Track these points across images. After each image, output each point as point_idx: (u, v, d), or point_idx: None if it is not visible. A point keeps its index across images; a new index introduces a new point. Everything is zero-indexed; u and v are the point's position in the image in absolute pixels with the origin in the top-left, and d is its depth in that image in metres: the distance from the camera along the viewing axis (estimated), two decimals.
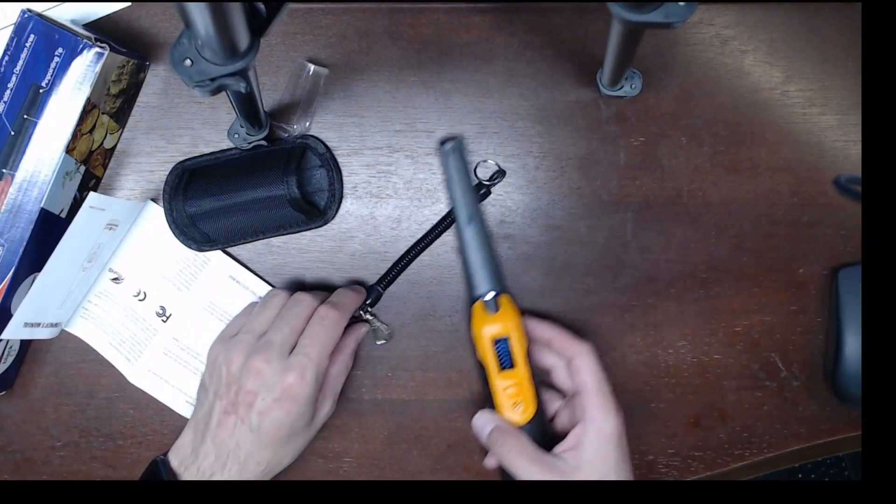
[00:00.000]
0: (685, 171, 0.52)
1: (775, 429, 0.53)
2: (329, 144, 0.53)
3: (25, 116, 0.46)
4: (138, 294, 0.53)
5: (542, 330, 0.49)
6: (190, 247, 0.52)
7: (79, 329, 0.53)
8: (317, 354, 0.46)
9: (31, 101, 0.46)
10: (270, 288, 0.53)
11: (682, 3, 0.33)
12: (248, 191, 0.49)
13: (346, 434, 0.54)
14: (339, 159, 0.53)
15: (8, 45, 0.46)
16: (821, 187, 0.52)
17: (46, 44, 0.46)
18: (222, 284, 0.53)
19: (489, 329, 0.47)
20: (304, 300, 0.48)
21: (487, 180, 0.52)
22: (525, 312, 0.50)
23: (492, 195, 0.52)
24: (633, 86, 0.51)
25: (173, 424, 0.54)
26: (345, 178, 0.53)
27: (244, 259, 0.53)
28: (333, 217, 0.53)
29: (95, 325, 0.53)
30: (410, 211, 0.53)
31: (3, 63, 0.46)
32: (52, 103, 0.46)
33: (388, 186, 0.53)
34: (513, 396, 0.47)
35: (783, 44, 0.52)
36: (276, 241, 0.53)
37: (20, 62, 0.46)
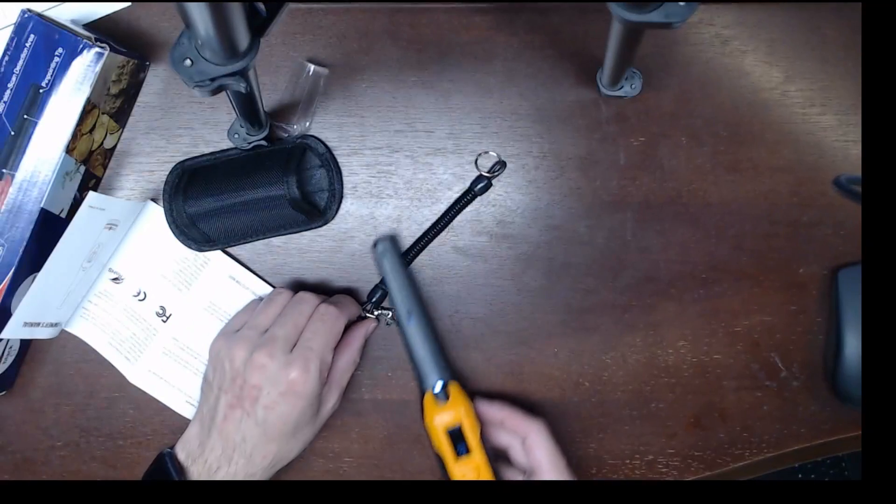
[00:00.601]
0: (685, 171, 0.52)
1: (775, 429, 0.53)
2: (329, 144, 0.53)
3: (25, 116, 0.46)
4: (138, 294, 0.53)
5: (494, 412, 0.49)
6: (190, 247, 0.52)
7: (79, 329, 0.53)
8: (319, 348, 0.46)
9: (31, 101, 0.46)
10: (271, 288, 0.53)
11: (682, 3, 0.33)
12: (248, 191, 0.50)
13: (346, 434, 0.54)
14: (339, 159, 0.53)
15: (8, 45, 0.46)
16: (821, 187, 0.52)
17: (46, 44, 0.46)
18: (222, 284, 0.53)
19: (441, 419, 0.48)
20: (307, 298, 0.48)
21: (488, 172, 0.52)
22: (475, 394, 0.51)
23: (492, 195, 0.52)
24: (633, 86, 0.51)
25: (173, 424, 0.54)
26: (345, 179, 0.53)
27: (244, 259, 0.53)
28: (333, 217, 0.53)
29: (95, 325, 0.53)
30: (410, 211, 0.53)
31: (3, 63, 0.46)
32: (52, 103, 0.46)
33: (388, 186, 0.53)
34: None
35: (783, 44, 0.52)
36: (276, 241, 0.53)
37: (20, 62, 0.46)
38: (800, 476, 1.04)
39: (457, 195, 0.53)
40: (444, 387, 0.49)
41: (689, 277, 0.53)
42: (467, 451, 0.47)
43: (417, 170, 0.53)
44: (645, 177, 0.52)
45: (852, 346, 0.50)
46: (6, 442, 0.54)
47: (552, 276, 0.53)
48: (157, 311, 0.53)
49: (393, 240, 0.52)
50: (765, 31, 0.52)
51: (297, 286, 0.53)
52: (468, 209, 0.53)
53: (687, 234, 0.53)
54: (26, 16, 0.46)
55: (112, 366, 0.53)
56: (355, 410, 0.54)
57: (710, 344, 0.53)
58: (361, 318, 0.52)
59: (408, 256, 0.52)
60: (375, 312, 0.52)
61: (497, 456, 0.49)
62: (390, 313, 0.53)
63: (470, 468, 0.47)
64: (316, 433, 0.49)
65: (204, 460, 0.46)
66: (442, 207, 0.53)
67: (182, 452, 0.47)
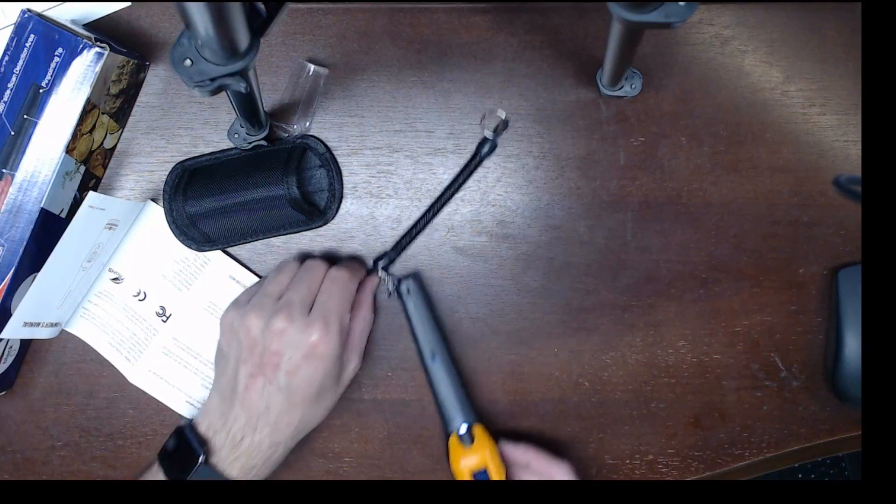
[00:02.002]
0: (685, 171, 0.52)
1: (775, 429, 0.53)
2: (329, 144, 0.53)
3: (25, 116, 0.46)
4: (138, 294, 0.53)
5: (519, 454, 0.50)
6: (190, 247, 0.52)
7: (79, 329, 0.53)
8: (337, 308, 0.46)
9: (31, 101, 0.46)
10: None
11: (682, 3, 0.33)
12: (247, 191, 0.49)
13: (346, 434, 0.54)
14: (339, 159, 0.53)
15: (8, 45, 0.46)
16: (821, 187, 0.52)
17: (46, 44, 0.46)
18: (222, 284, 0.53)
19: (467, 462, 0.49)
20: (317, 264, 0.48)
21: (493, 132, 0.51)
22: (499, 436, 0.51)
23: (492, 195, 0.52)
24: (633, 86, 0.51)
25: (173, 424, 0.54)
26: (345, 179, 0.53)
27: (244, 259, 0.53)
28: (333, 217, 0.53)
29: (95, 325, 0.53)
30: (410, 211, 0.53)
31: (3, 63, 0.46)
32: (52, 103, 0.46)
33: (388, 186, 0.53)
34: None
35: (783, 44, 0.52)
36: (276, 241, 0.53)
37: (20, 62, 0.46)
38: (800, 476, 1.04)
39: (457, 195, 0.53)
40: (469, 429, 0.50)
41: (689, 277, 0.53)
42: None
43: (417, 170, 0.53)
44: (645, 177, 0.52)
45: (852, 346, 0.50)
46: (6, 442, 0.54)
47: (552, 276, 0.53)
48: (157, 311, 0.53)
49: (417, 278, 0.52)
50: (765, 31, 0.52)
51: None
52: (468, 209, 0.53)
53: (687, 234, 0.53)
54: (26, 16, 0.46)
55: (112, 366, 0.53)
56: (355, 410, 0.54)
57: (710, 344, 0.53)
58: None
59: (416, 227, 0.52)
60: (380, 273, 0.52)
61: None
62: (391, 280, 0.52)
63: None
64: (338, 398, 0.48)
65: (227, 431, 0.45)
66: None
67: (203, 424, 0.46)
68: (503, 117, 0.51)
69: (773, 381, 0.53)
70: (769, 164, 0.52)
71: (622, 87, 0.51)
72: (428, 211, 0.52)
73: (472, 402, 0.52)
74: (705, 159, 0.52)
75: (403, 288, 0.51)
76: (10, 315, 0.47)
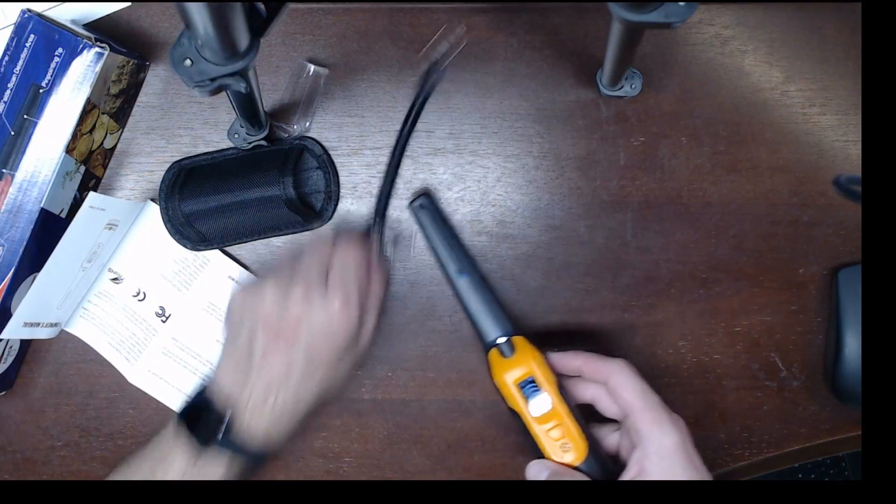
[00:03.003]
0: (685, 171, 0.52)
1: (775, 429, 0.53)
2: (329, 144, 0.53)
3: (25, 116, 0.46)
4: (138, 294, 0.53)
5: (567, 360, 0.45)
6: (185, 246, 0.52)
7: (78, 329, 0.53)
8: (353, 273, 0.44)
9: (31, 101, 0.46)
10: None
11: (682, 3, 0.33)
12: (244, 191, 0.50)
13: (346, 434, 0.54)
14: (339, 159, 0.53)
15: (8, 45, 0.46)
16: (821, 187, 0.52)
17: (46, 44, 0.46)
18: (222, 285, 0.53)
19: (511, 374, 0.44)
20: (323, 239, 0.46)
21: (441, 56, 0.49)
22: (545, 349, 0.47)
23: (492, 195, 0.52)
24: (633, 86, 0.51)
25: None
26: (345, 178, 0.53)
27: (244, 259, 0.53)
28: (330, 218, 0.53)
29: (95, 325, 0.53)
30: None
31: (3, 63, 0.46)
32: (52, 103, 0.46)
33: None
34: (558, 439, 0.43)
35: (783, 44, 0.52)
36: (275, 241, 0.53)
37: (20, 62, 0.46)
38: (800, 476, 1.04)
39: (457, 195, 0.53)
40: (509, 339, 0.46)
41: (689, 277, 0.53)
42: (546, 405, 0.43)
43: (417, 170, 0.53)
44: (645, 177, 0.52)
45: (852, 346, 0.50)
46: (6, 442, 0.54)
47: (552, 276, 0.53)
48: (156, 312, 0.53)
49: (429, 194, 0.50)
50: (765, 31, 0.52)
51: None
52: (468, 209, 0.53)
53: (687, 234, 0.53)
54: (26, 16, 0.46)
55: (112, 366, 0.53)
56: (355, 410, 0.54)
57: (710, 344, 0.53)
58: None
59: (381, 201, 0.48)
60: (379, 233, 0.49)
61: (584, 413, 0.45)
62: (391, 239, 0.50)
63: (553, 424, 0.43)
64: (357, 361, 0.46)
65: (248, 394, 0.43)
66: (442, 207, 0.53)
67: (219, 390, 0.44)
68: (460, 34, 0.49)
69: (773, 381, 0.53)
70: (769, 164, 0.52)
71: (622, 87, 0.51)
72: (392, 154, 0.48)
73: (508, 315, 0.48)
74: (705, 159, 0.52)
75: (416, 205, 0.49)
76: (10, 315, 0.47)
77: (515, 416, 0.45)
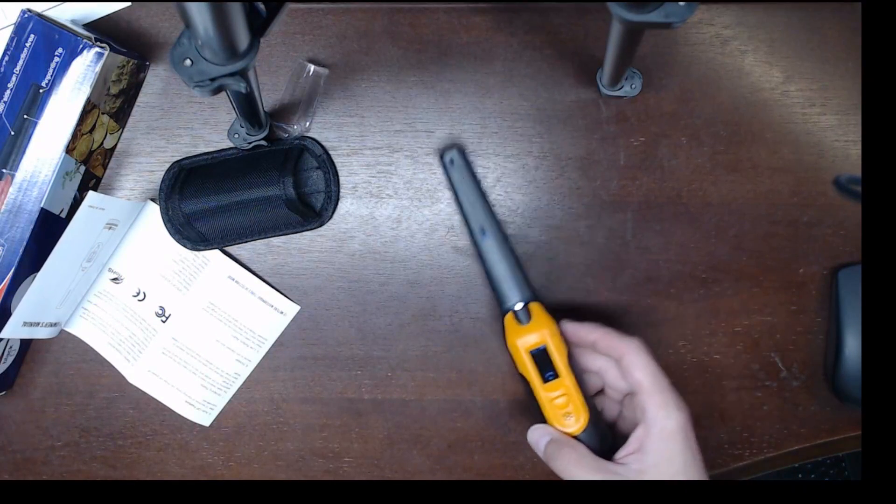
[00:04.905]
0: (685, 171, 0.52)
1: (775, 429, 0.53)
2: (329, 144, 0.53)
3: (25, 116, 0.46)
4: (138, 294, 0.53)
5: (584, 333, 0.46)
6: (185, 246, 0.52)
7: (78, 329, 0.53)
8: None
9: (31, 101, 0.46)
10: (270, 288, 0.53)
11: (682, 3, 0.33)
12: (244, 191, 0.49)
13: (346, 434, 0.54)
14: (339, 159, 0.53)
15: (8, 45, 0.46)
16: (821, 187, 0.52)
17: (46, 44, 0.46)
18: (222, 285, 0.53)
19: (524, 340, 0.46)
20: None
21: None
22: (561, 316, 0.48)
23: (492, 195, 0.52)
24: (633, 86, 0.51)
25: (173, 424, 0.54)
26: (345, 178, 0.53)
27: (244, 259, 0.53)
28: (330, 218, 0.53)
29: (95, 325, 0.53)
30: (410, 211, 0.53)
31: (3, 63, 0.46)
32: (52, 103, 0.46)
33: (388, 186, 0.53)
34: (562, 407, 0.45)
35: (783, 44, 0.52)
36: (275, 241, 0.53)
37: (20, 62, 0.46)
38: (800, 476, 1.04)
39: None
40: (526, 306, 0.47)
41: (689, 277, 0.53)
42: (555, 374, 0.45)
43: (417, 170, 0.53)
44: (645, 177, 0.52)
45: (852, 346, 0.50)
46: (6, 442, 0.54)
47: (552, 276, 0.53)
48: (156, 312, 0.53)
49: (461, 149, 0.49)
50: (765, 31, 0.52)
51: (297, 286, 0.53)
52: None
53: (687, 234, 0.53)
54: (26, 16, 0.46)
55: (112, 366, 0.53)
56: (355, 410, 0.54)
57: (710, 344, 0.53)
58: None
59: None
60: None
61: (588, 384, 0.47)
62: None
63: (559, 392, 0.45)
64: None
65: None
66: (442, 206, 0.53)
67: None
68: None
69: (773, 381, 0.53)
70: (769, 164, 0.52)
71: (622, 87, 0.51)
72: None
73: (528, 279, 0.49)
74: (705, 159, 0.52)
75: (447, 159, 0.49)
76: (10, 315, 0.47)
77: (524, 380, 0.47)
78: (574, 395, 0.45)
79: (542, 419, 0.46)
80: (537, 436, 0.46)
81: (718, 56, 0.52)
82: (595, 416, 0.46)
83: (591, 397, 0.47)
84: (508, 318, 0.47)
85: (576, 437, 0.45)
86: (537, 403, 0.46)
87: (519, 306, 0.47)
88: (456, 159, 0.49)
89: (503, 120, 0.52)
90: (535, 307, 0.47)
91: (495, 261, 0.48)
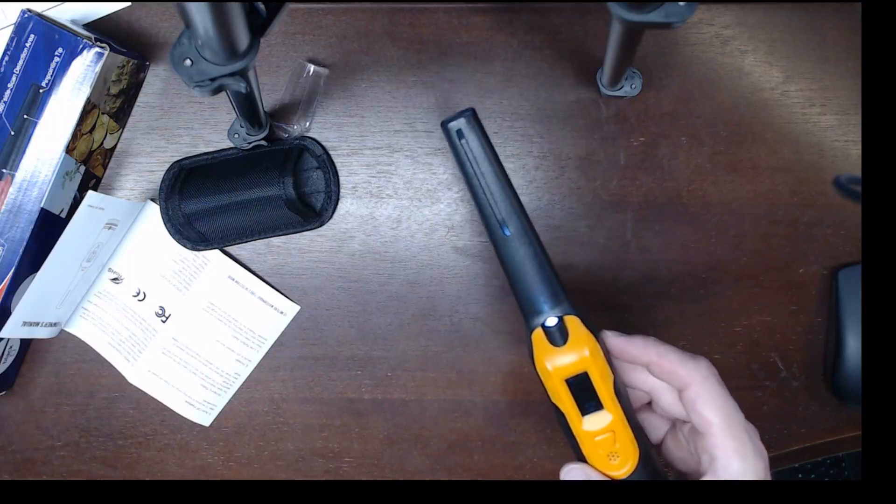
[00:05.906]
0: (685, 171, 0.52)
1: (775, 429, 0.53)
2: (329, 144, 0.53)
3: (25, 116, 0.46)
4: (138, 294, 0.53)
5: (635, 351, 0.37)
6: (185, 246, 0.52)
7: (78, 329, 0.53)
8: None
9: (31, 101, 0.46)
10: (270, 288, 0.53)
11: (682, 3, 0.33)
12: (244, 191, 0.50)
13: (346, 434, 0.54)
14: (339, 159, 0.53)
15: (8, 45, 0.46)
16: (821, 187, 0.52)
17: (46, 44, 0.46)
18: (222, 285, 0.53)
19: (559, 365, 0.35)
20: None
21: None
22: (601, 329, 0.38)
23: None
24: (633, 86, 0.51)
25: (173, 424, 0.54)
26: (345, 179, 0.53)
27: (244, 259, 0.53)
28: (330, 218, 0.53)
29: (95, 325, 0.53)
30: (410, 211, 0.53)
31: (3, 63, 0.46)
32: (52, 103, 0.46)
33: (388, 186, 0.53)
34: (606, 445, 0.36)
35: (783, 44, 0.52)
36: (275, 241, 0.53)
37: (20, 62, 0.46)
38: (800, 476, 1.04)
39: (457, 195, 0.53)
40: (561, 321, 0.35)
41: (689, 277, 0.53)
42: (598, 405, 0.35)
43: (417, 170, 0.53)
44: (645, 177, 0.52)
45: (852, 346, 0.50)
46: (6, 442, 0.54)
47: None
48: (156, 312, 0.53)
49: (473, 115, 0.36)
50: (765, 31, 0.52)
51: (297, 286, 0.53)
52: (468, 209, 0.53)
53: (687, 234, 0.53)
54: (26, 16, 0.46)
55: (112, 366, 0.53)
56: (355, 410, 0.54)
57: (710, 344, 0.53)
58: None
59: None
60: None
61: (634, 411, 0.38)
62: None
63: (602, 427, 0.35)
64: None
65: None
66: (442, 207, 0.53)
67: None
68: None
69: (773, 381, 0.53)
70: (769, 164, 0.52)
71: (622, 87, 0.51)
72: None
73: (562, 286, 0.36)
74: (705, 159, 0.52)
75: (454, 130, 0.36)
76: (9, 315, 0.47)
77: (556, 411, 0.37)
78: (622, 433, 0.36)
79: (580, 457, 0.37)
80: (572, 479, 0.37)
81: (718, 56, 0.52)
82: (646, 452, 0.37)
83: (637, 418, 0.37)
84: (537, 336, 0.36)
85: (622, 481, 0.36)
86: (571, 436, 0.37)
87: (552, 322, 0.35)
88: (465, 130, 0.36)
89: (503, 120, 0.52)
90: (573, 322, 0.36)
91: (519, 263, 0.36)
